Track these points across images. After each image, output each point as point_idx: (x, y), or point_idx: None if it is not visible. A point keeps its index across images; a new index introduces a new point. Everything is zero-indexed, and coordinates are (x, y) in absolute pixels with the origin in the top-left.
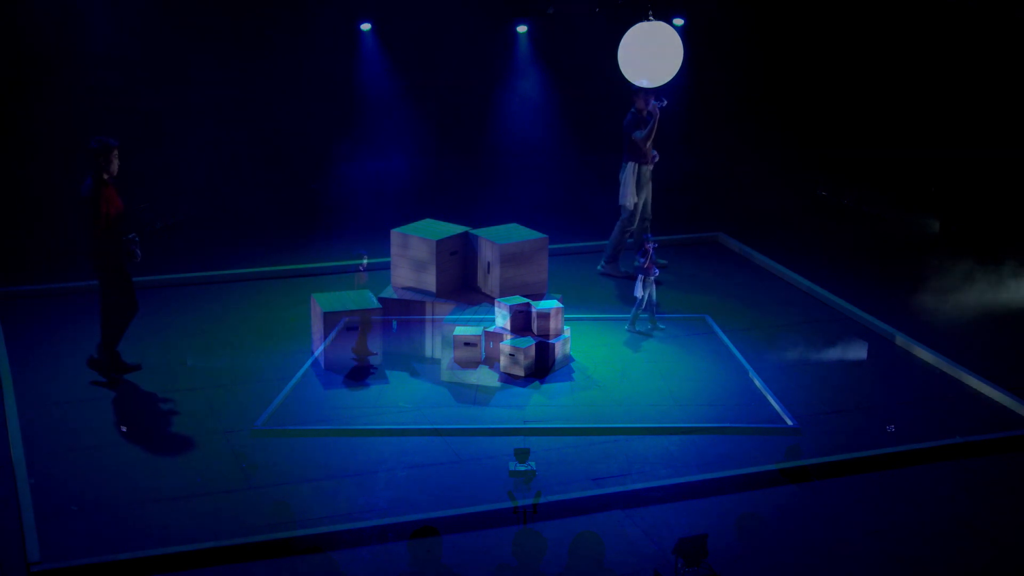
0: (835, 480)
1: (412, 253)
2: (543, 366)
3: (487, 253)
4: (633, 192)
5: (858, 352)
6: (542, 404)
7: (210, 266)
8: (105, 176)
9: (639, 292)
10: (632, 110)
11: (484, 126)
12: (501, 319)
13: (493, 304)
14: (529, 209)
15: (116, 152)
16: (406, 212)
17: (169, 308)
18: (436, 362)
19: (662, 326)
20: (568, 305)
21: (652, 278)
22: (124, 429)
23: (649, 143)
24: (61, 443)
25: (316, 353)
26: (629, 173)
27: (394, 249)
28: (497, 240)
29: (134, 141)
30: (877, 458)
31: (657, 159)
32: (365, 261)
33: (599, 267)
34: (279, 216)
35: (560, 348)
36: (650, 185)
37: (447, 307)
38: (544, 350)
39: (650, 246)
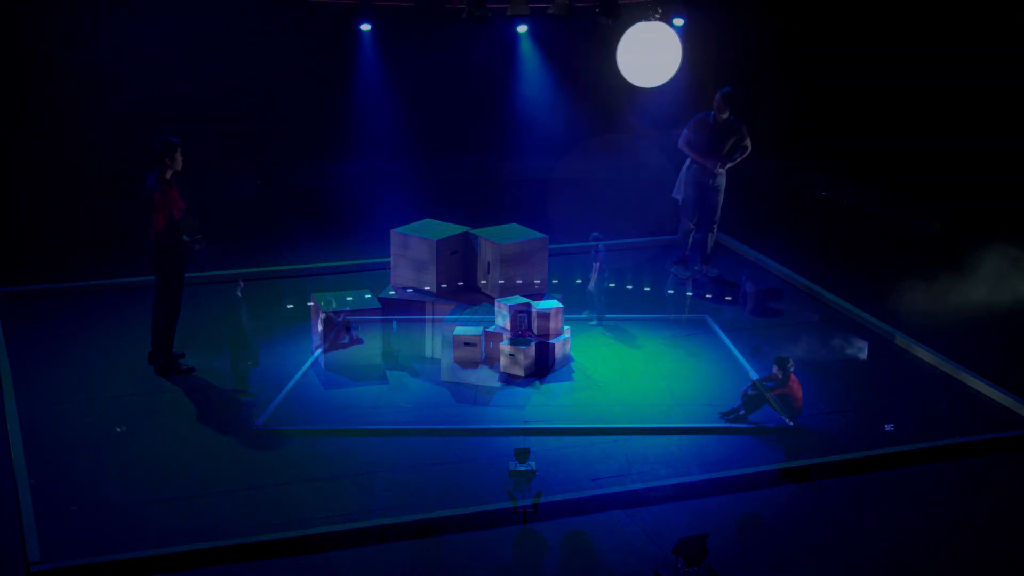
0: (835, 480)
1: (412, 253)
2: (543, 366)
3: (487, 253)
4: (682, 186)
5: (858, 352)
6: (542, 404)
7: (210, 266)
8: (168, 175)
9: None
10: (711, 113)
11: (484, 126)
12: (501, 319)
13: (493, 304)
14: (529, 209)
15: (179, 149)
16: (406, 212)
17: None
18: (436, 362)
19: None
20: (568, 305)
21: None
22: (123, 429)
23: (702, 156)
24: (61, 443)
25: (316, 353)
26: (685, 169)
27: (394, 249)
28: (497, 240)
29: (131, 141)
30: (877, 458)
31: (721, 167)
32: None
33: (672, 270)
34: (279, 216)
35: (560, 348)
36: (713, 191)
37: (447, 307)
38: (544, 350)
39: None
